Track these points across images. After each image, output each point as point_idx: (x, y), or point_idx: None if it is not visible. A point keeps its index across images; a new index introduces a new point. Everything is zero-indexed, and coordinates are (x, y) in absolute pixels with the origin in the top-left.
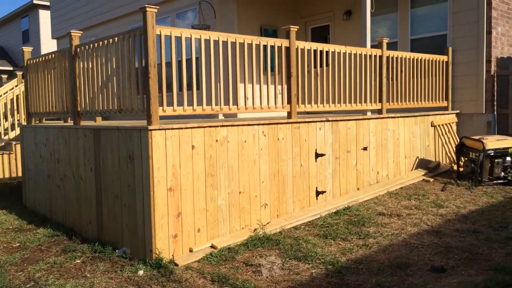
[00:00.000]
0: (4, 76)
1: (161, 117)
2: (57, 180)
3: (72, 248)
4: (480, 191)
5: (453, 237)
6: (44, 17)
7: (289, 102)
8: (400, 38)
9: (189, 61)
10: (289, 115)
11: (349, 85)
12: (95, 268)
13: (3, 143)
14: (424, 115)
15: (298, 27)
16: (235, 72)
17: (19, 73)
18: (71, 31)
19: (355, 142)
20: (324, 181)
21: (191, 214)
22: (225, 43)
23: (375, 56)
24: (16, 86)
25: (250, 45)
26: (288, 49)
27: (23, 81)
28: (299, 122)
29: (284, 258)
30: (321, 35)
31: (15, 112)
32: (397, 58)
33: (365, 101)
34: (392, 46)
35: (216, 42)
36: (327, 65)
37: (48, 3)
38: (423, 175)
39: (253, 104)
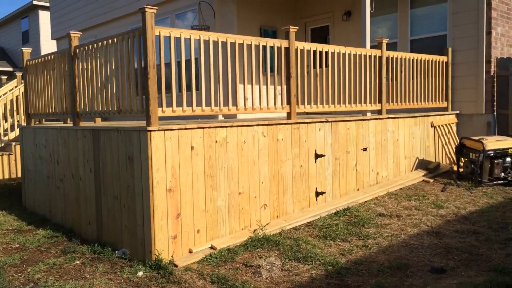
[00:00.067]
0: (4, 77)
1: (161, 118)
2: (56, 181)
3: (71, 249)
4: (480, 192)
5: (453, 238)
6: (44, 18)
7: (289, 102)
8: (399, 39)
9: (188, 61)
10: (289, 115)
11: (348, 85)
12: (94, 269)
13: (2, 144)
14: (424, 116)
15: (297, 27)
16: (235, 73)
17: (19, 74)
18: (70, 32)
19: (354, 142)
20: (324, 181)
21: (191, 215)
22: (224, 44)
23: (375, 56)
24: (16, 87)
25: (249, 46)
26: (287, 49)
27: (22, 82)
28: (299, 123)
29: (283, 259)
30: (321, 35)
31: (15, 113)
32: (396, 58)
33: (365, 102)
34: (392, 46)
35: (216, 43)
36: (327, 65)
37: (48, 4)
38: (423, 175)
39: (252, 104)
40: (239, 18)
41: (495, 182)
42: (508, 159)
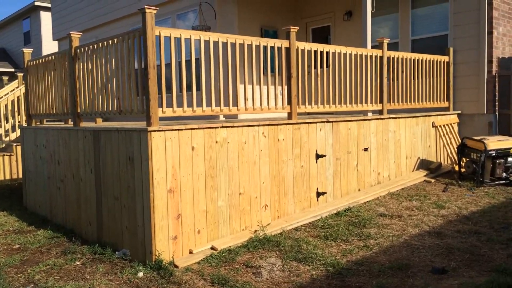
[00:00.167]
0: (5, 78)
1: (161, 118)
2: (57, 181)
3: (72, 249)
4: (482, 192)
5: (455, 238)
6: (46, 18)
7: (289, 103)
8: (401, 39)
9: (188, 62)
10: (290, 116)
11: (349, 85)
12: (95, 270)
13: (4, 145)
14: (425, 116)
15: (298, 27)
16: (235, 73)
17: (20, 75)
18: (71, 32)
19: (355, 143)
20: (325, 182)
21: (191, 216)
22: (224, 44)
23: (376, 56)
24: (17, 87)
25: (250, 46)
26: (288, 49)
27: (23, 82)
28: (300, 123)
29: (284, 259)
30: (321, 35)
31: (16, 114)
32: (398, 58)
33: (366, 102)
34: (393, 46)
35: (216, 43)
36: (328, 65)
37: (49, 5)
38: (425, 176)
39: (253, 105)
40: (240, 18)
41: (496, 182)
42: (510, 159)
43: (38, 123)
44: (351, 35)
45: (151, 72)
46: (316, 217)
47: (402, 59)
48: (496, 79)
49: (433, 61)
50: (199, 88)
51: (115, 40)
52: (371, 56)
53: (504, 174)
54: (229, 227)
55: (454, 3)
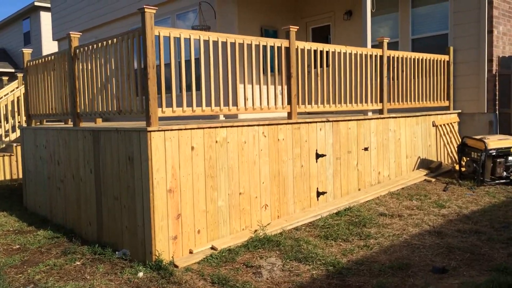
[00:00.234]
0: (5, 78)
1: (161, 118)
2: (57, 181)
3: (72, 250)
4: (482, 191)
5: (455, 237)
6: (46, 19)
7: (289, 102)
8: (401, 38)
9: (188, 62)
10: (289, 115)
11: (349, 85)
12: (95, 270)
13: (4, 145)
14: (426, 115)
15: (297, 27)
16: (235, 73)
17: (20, 75)
18: (70, 32)
19: (356, 142)
20: (325, 181)
21: (191, 216)
22: (224, 44)
23: (376, 56)
24: (17, 88)
25: (249, 46)
26: (288, 49)
27: (23, 82)
28: (300, 123)
29: (284, 259)
30: (322, 35)
31: (16, 114)
32: (398, 57)
33: (366, 101)
34: (393, 46)
35: (216, 43)
36: (328, 65)
37: (49, 5)
38: (425, 175)
39: (253, 104)
40: (240, 18)
41: (497, 181)
42: (510, 158)
43: (38, 123)
44: (351, 34)
45: (150, 72)
46: (316, 217)
47: (402, 58)
48: (497, 78)
49: (433, 60)
50: (198, 88)
51: (115, 40)
52: (371, 56)
53: (505, 173)
54: (229, 227)
55: (454, 2)
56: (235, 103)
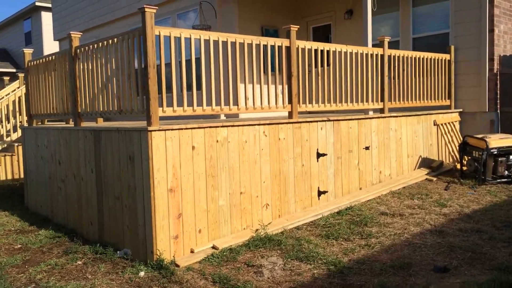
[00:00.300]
0: (6, 78)
1: (161, 118)
2: (58, 181)
3: (73, 249)
4: (484, 190)
5: (456, 236)
6: (47, 19)
7: (290, 102)
8: (402, 37)
9: (189, 61)
10: (290, 115)
11: (350, 84)
12: (96, 270)
13: (5, 145)
14: (427, 114)
15: (298, 26)
16: (235, 72)
17: (21, 75)
18: (71, 32)
19: (357, 141)
20: (326, 181)
21: (192, 215)
22: (225, 43)
23: (377, 55)
24: (18, 88)
25: (250, 45)
26: (288, 48)
27: (24, 82)
28: (300, 122)
29: (285, 258)
30: (322, 34)
31: (17, 114)
32: (398, 56)
33: (367, 101)
34: (394, 45)
35: (216, 42)
36: (328, 64)
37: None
38: (426, 174)
39: (253, 104)
40: (240, 17)
41: (498, 180)
42: (511, 157)
43: (39, 123)
44: (352, 34)
45: (151, 71)
46: (318, 216)
47: (403, 57)
48: (498, 77)
49: (434, 59)
50: (199, 87)
51: (115, 39)
52: (372, 55)
53: (506, 172)
54: (230, 226)
55: (455, 1)
56: (236, 103)
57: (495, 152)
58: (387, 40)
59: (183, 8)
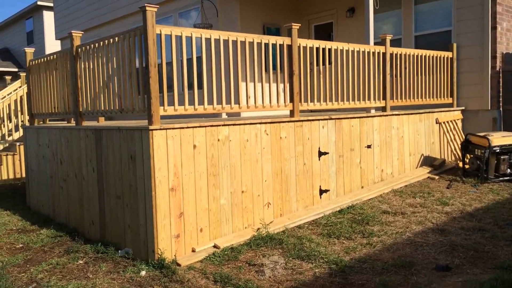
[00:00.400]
0: (8, 77)
1: (163, 117)
2: (59, 181)
3: (75, 248)
4: (486, 188)
5: (458, 235)
6: (48, 18)
7: (292, 100)
8: (404, 35)
9: (190, 60)
10: (292, 113)
11: (352, 82)
12: (97, 269)
13: (7, 144)
14: (429, 112)
15: (300, 24)
16: (237, 71)
17: (23, 74)
18: (72, 31)
19: (358, 140)
20: (328, 179)
21: (194, 214)
22: (226, 42)
23: (379, 53)
24: (20, 87)
25: (251, 44)
26: (290, 47)
27: (26, 82)
28: (302, 121)
29: (287, 257)
30: (324, 32)
31: (19, 113)
32: (401, 54)
33: (369, 99)
34: (396, 43)
35: (217, 41)
36: (330, 62)
37: (52, 4)
38: (428, 172)
39: (255, 102)
40: (242, 16)
41: (501, 179)
42: None
43: (41, 122)
44: (354, 32)
45: (152, 70)
46: (319, 215)
47: (405, 55)
48: (500, 74)
49: (436, 57)
50: (200, 86)
51: (116, 38)
52: (373, 53)
53: (509, 170)
54: (231, 225)
55: None
56: (237, 101)
57: (498, 150)
58: (389, 38)
59: (185, 7)
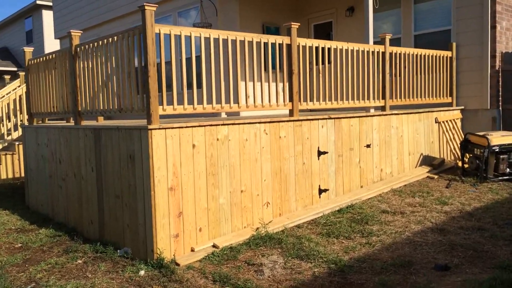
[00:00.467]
0: (7, 77)
1: (162, 116)
2: (58, 180)
3: (73, 248)
4: (485, 188)
5: (458, 234)
6: (48, 17)
7: (291, 99)
8: (403, 34)
9: (189, 59)
10: (291, 113)
11: (351, 82)
12: (96, 269)
13: (6, 144)
14: (428, 112)
15: (299, 24)
16: (236, 70)
17: (22, 74)
18: (71, 30)
19: (358, 139)
20: (327, 179)
21: (193, 214)
22: (225, 41)
23: (378, 52)
24: (19, 86)
25: (250, 43)
26: (289, 46)
27: (25, 81)
28: (301, 120)
29: (286, 257)
30: (324, 32)
31: (18, 113)
32: (400, 54)
33: (368, 98)
34: (395, 42)
35: (216, 40)
36: (329, 62)
37: (51, 4)
38: (428, 172)
39: (254, 102)
40: (241, 15)
41: (500, 178)
42: None
43: (40, 121)
44: (353, 31)
45: (151, 70)
46: (318, 214)
47: (404, 54)
48: (500, 74)
49: (436, 56)
50: (199, 85)
51: (115, 38)
52: (373, 52)
53: (508, 170)
54: (230, 224)
55: None
56: (237, 101)
57: (497, 150)
58: (388, 37)
59: (184, 6)
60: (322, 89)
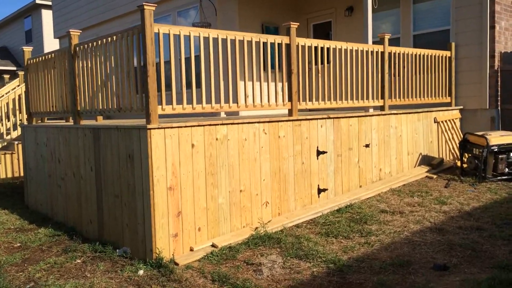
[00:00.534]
0: (6, 76)
1: (161, 116)
2: (58, 179)
3: (72, 248)
4: (484, 188)
5: (456, 234)
6: (47, 17)
7: (290, 99)
8: (402, 34)
9: (188, 59)
10: (290, 112)
11: (350, 82)
12: (95, 268)
13: (5, 143)
14: (427, 111)
15: (298, 23)
16: (235, 70)
17: (21, 73)
18: (70, 30)
19: (357, 139)
20: (326, 178)
21: (192, 213)
22: (224, 41)
23: (377, 52)
24: (18, 86)
25: (250, 43)
26: (288, 46)
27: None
28: (300, 120)
29: (285, 256)
30: (323, 31)
31: (17, 112)
32: (399, 54)
33: (367, 98)
34: (394, 42)
35: (215, 40)
36: (328, 62)
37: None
38: (426, 171)
39: (253, 101)
40: (241, 15)
41: (499, 178)
42: None
43: (39, 121)
44: (352, 31)
45: (150, 69)
46: (317, 214)
47: (403, 54)
48: (499, 74)
49: (435, 56)
50: (199, 85)
51: (114, 37)
52: (372, 52)
53: (507, 170)
54: (229, 224)
55: None
56: (236, 100)
57: (496, 150)
58: (387, 37)
59: (183, 6)
60: (321, 89)
